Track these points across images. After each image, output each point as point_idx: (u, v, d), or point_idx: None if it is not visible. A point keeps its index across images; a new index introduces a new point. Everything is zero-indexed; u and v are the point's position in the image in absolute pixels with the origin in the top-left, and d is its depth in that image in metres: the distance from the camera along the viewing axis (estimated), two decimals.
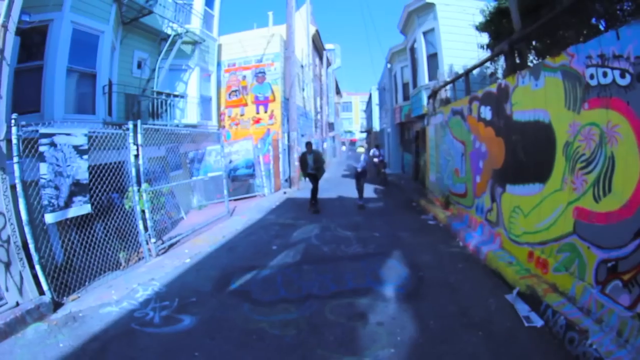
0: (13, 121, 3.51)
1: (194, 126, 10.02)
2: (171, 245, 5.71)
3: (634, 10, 4.50)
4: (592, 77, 2.94)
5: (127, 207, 5.32)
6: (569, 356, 2.63)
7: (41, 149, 3.72)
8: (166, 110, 8.96)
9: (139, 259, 5.11)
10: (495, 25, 7.01)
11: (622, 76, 2.64)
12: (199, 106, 10.77)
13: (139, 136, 5.02)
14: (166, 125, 8.32)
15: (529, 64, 5.38)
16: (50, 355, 2.93)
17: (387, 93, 19.68)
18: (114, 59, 7.75)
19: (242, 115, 13.20)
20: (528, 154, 4.07)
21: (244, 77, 13.11)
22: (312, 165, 8.83)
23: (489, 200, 5.06)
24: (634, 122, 2.54)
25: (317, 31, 22.26)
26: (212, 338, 3.10)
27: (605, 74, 2.80)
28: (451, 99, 7.94)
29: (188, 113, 10.21)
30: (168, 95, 8.98)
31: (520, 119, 4.12)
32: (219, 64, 12.75)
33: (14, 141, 3.53)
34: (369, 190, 11.40)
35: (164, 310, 3.60)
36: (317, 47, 23.67)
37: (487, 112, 5.12)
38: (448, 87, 8.25)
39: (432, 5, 10.52)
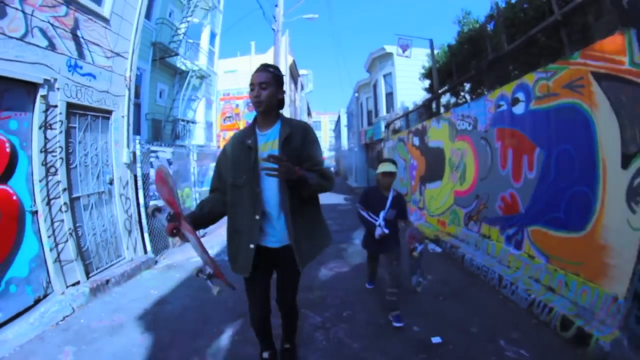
0: (137, 141, 5.86)
1: (201, 146, 12.36)
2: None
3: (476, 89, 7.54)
4: (459, 125, 5.79)
5: (187, 205, 7.63)
6: (452, 260, 5.29)
7: (152, 159, 6.08)
8: (184, 133, 11.31)
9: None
10: (430, 77, 10.06)
11: (469, 125, 5.48)
12: (205, 130, 13.16)
13: (195, 154, 7.45)
14: (184, 146, 10.63)
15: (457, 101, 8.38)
16: (173, 281, 4.43)
17: (355, 118, 22.74)
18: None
19: None
20: (434, 165, 6.91)
21: (237, 105, 15.65)
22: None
23: (419, 195, 7.89)
24: (473, 148, 5.37)
25: (293, 61, 25.17)
26: None
27: (463, 124, 5.66)
28: (401, 129, 10.87)
29: (197, 135, 12.56)
30: (187, 121, 11.36)
31: (431, 146, 7.02)
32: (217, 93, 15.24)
33: (138, 153, 5.87)
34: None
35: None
36: (293, 74, 26.50)
37: (416, 141, 8.01)
38: (397, 120, 11.21)
39: (390, 54, 13.62)
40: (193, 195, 7.51)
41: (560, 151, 3.42)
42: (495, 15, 5.81)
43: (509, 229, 4.30)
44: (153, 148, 6.09)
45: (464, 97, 8.84)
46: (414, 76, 12.78)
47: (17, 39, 3.44)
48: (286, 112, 23.67)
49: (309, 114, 47.59)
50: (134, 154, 5.80)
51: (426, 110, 7.85)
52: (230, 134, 16.01)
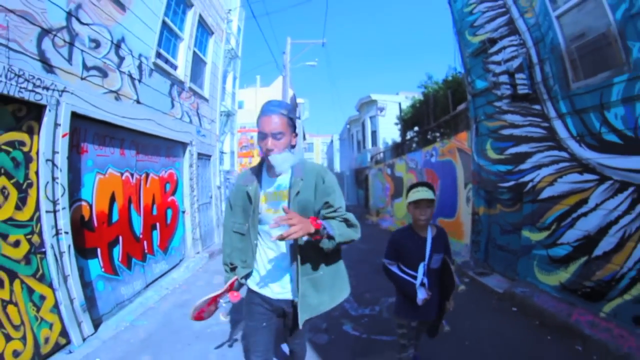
0: (220, 172, 9.26)
1: (228, 171, 15.83)
2: None
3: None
4: (409, 163, 9.42)
5: None
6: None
7: (226, 182, 9.48)
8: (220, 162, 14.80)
9: None
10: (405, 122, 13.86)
11: (415, 164, 9.10)
12: (230, 157, 16.66)
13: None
14: (229, 171, 14.15)
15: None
16: (209, 264, 8.12)
17: (347, 145, 26.50)
18: None
19: (250, 163, 19.12)
20: (398, 187, 10.52)
21: (252, 137, 19.17)
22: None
23: (391, 207, 11.44)
24: (416, 177, 8.99)
25: (294, 94, 29.05)
26: None
27: (412, 163, 9.28)
28: (382, 160, 14.54)
29: (225, 162, 16.05)
30: (222, 152, 14.85)
31: (397, 175, 10.70)
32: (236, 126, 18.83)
33: (221, 179, 9.26)
34: None
35: None
36: (294, 106, 30.33)
37: (389, 171, 11.69)
38: (381, 153, 14.89)
39: (375, 101, 17.48)
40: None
41: (446, 181, 7.04)
42: (428, 95, 9.59)
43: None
44: (227, 176, 9.53)
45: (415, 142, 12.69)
46: (393, 120, 16.61)
47: (178, 118, 6.89)
48: None
49: (304, 138, 51.58)
50: (220, 180, 9.23)
51: (395, 150, 11.57)
52: (245, 161, 19.53)
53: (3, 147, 3.03)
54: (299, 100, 36.41)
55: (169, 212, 6.21)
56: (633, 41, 3.13)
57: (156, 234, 5.61)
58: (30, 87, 3.18)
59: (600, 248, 3.55)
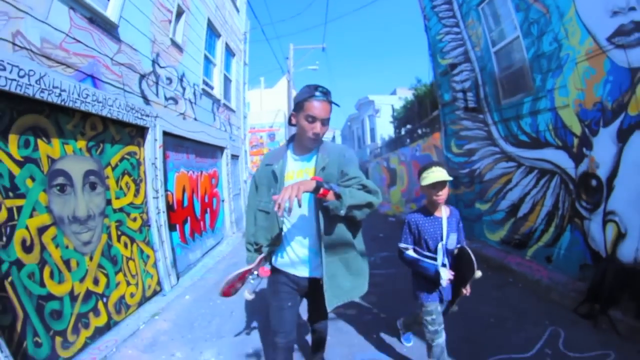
0: (246, 169, 10.93)
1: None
2: None
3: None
4: (400, 157, 11.08)
5: None
6: (399, 222, 10.43)
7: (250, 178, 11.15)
8: None
9: None
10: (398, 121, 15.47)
11: (404, 158, 10.74)
12: (244, 156, 18.34)
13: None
14: None
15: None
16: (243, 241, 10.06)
17: (348, 141, 28.06)
18: None
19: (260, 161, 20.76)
20: (393, 177, 12.18)
21: (261, 136, 20.80)
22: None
23: (388, 194, 13.08)
24: (406, 169, 10.64)
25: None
26: None
27: (402, 157, 10.96)
28: (379, 154, 16.17)
29: None
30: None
31: (391, 167, 12.35)
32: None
33: (248, 174, 10.92)
34: None
35: None
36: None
37: (385, 163, 13.32)
38: (378, 149, 16.53)
39: (373, 101, 19.06)
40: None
41: None
42: (418, 97, 11.22)
43: (418, 203, 9.58)
44: (251, 172, 11.23)
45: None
46: (389, 118, 18.21)
47: (217, 128, 8.51)
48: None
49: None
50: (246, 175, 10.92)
51: (389, 146, 13.23)
52: (257, 159, 21.15)
53: (125, 156, 4.66)
54: None
55: (215, 201, 7.92)
56: (536, 74, 4.69)
57: (208, 217, 7.32)
58: (138, 115, 4.77)
59: (521, 211, 5.16)
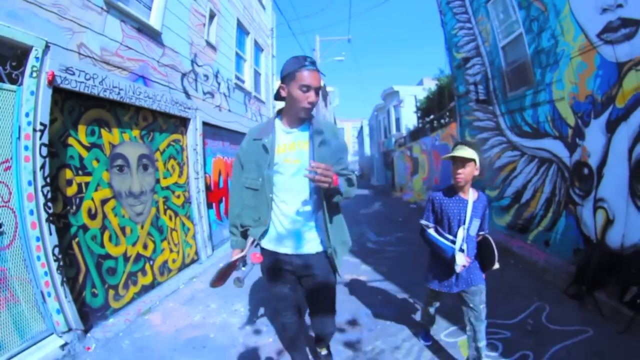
0: None
1: None
2: None
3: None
4: (422, 147, 11.38)
5: None
6: (421, 208, 10.83)
7: None
8: None
9: None
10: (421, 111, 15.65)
11: (426, 147, 11.05)
12: None
13: None
14: None
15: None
16: None
17: (375, 130, 28.25)
18: None
19: None
20: (415, 166, 12.51)
21: None
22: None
23: (410, 182, 13.43)
24: (427, 158, 10.95)
25: (324, 83, 30.71)
26: None
27: (424, 146, 11.25)
28: (404, 144, 16.42)
29: None
30: None
31: (414, 156, 12.68)
32: None
33: None
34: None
35: None
36: (324, 94, 32.03)
37: (408, 152, 13.65)
38: (402, 138, 16.78)
39: (397, 92, 19.20)
40: None
41: (445, 160, 9.00)
42: (441, 87, 11.43)
43: None
44: None
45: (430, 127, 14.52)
46: (413, 108, 18.32)
47: (248, 118, 9.15)
48: None
49: (335, 123, 52.63)
50: None
51: (412, 136, 13.52)
52: None
53: (171, 142, 5.40)
54: (328, 89, 37.51)
55: None
56: (537, 68, 4.95)
57: None
58: (182, 108, 5.49)
59: (524, 197, 5.47)
